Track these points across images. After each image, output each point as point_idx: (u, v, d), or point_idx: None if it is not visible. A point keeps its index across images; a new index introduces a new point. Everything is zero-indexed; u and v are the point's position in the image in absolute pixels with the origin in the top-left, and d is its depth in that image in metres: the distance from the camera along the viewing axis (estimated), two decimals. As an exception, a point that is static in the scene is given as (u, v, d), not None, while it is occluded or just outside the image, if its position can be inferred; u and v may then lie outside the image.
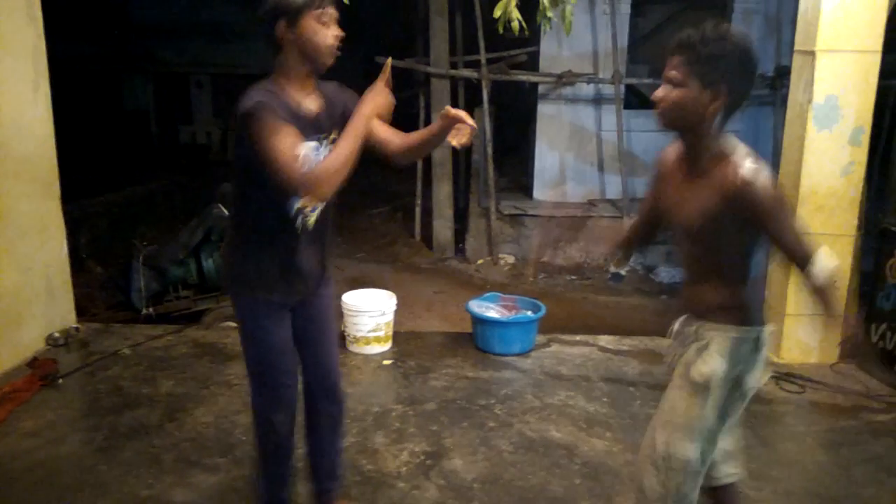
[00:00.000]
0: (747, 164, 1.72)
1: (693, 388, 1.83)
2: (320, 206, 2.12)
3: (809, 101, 3.75)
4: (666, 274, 6.65)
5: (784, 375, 3.83)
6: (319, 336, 2.34)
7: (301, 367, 2.33)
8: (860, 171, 3.83)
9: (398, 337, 4.28)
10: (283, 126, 1.85)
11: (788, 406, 3.56)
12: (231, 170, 2.11)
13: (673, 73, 1.75)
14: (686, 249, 1.92)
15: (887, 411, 3.49)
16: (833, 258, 1.73)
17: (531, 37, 5.79)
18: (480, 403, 3.50)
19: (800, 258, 1.72)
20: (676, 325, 1.96)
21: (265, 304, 2.15)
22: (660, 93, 1.79)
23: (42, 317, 4.07)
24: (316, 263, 2.22)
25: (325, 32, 1.94)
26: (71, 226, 4.45)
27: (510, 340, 4.11)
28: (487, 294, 4.50)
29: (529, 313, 4.21)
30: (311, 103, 2.03)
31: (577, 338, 4.30)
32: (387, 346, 4.16)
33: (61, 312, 4.24)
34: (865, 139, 3.80)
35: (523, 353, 4.11)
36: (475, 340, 4.23)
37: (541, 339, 4.27)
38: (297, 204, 2.04)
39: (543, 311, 4.19)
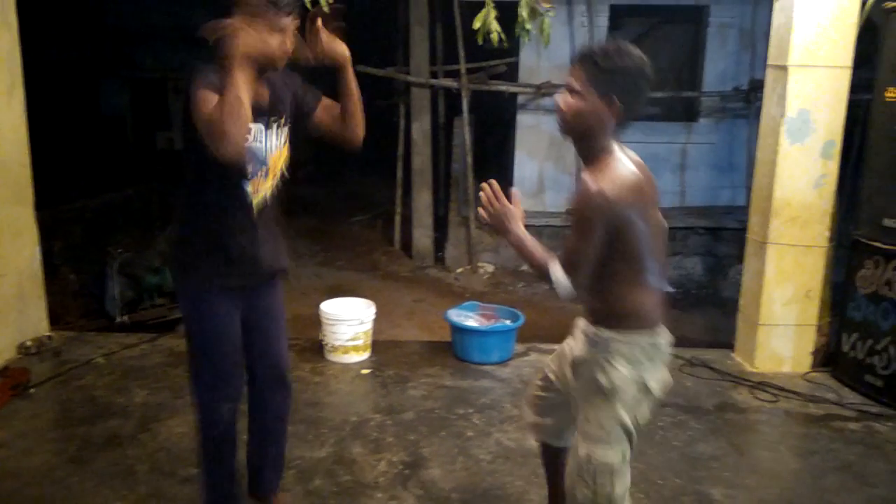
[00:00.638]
0: (600, 178, 1.81)
1: (601, 395, 1.91)
2: (266, 191, 2.15)
3: (782, 114, 3.82)
4: (643, 283, 6.71)
5: (757, 385, 3.88)
6: (270, 324, 2.34)
7: (248, 356, 2.31)
8: (832, 184, 3.91)
9: (377, 346, 4.27)
10: (210, 94, 1.88)
11: (762, 415, 3.61)
12: (181, 148, 2.15)
13: (573, 83, 1.86)
14: None
15: (858, 420, 3.56)
16: (561, 287, 1.82)
17: (511, 48, 5.84)
18: (459, 412, 3.50)
19: (561, 259, 1.84)
20: (582, 324, 2.04)
21: (212, 288, 2.16)
22: (560, 102, 1.90)
23: (13, 325, 4.00)
24: (267, 250, 2.22)
25: (275, 40, 1.98)
26: (44, 232, 4.38)
27: (489, 349, 4.12)
28: (466, 303, 4.51)
29: (508, 322, 4.22)
30: (258, 90, 2.07)
31: (556, 347, 4.29)
32: (365, 355, 4.14)
33: (33, 320, 4.17)
34: (837, 152, 3.88)
35: (502, 362, 4.12)
36: (454, 349, 4.23)
37: (520, 347, 4.29)
38: (248, 185, 2.10)
39: (522, 320, 4.21)
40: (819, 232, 3.94)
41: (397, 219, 7.52)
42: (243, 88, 1.80)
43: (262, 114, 2.08)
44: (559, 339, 2.16)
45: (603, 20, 6.99)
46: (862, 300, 3.84)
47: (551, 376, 2.19)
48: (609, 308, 1.93)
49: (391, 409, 3.51)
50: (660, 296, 1.98)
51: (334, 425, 3.32)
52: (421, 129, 7.08)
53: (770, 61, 3.98)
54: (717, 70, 7.11)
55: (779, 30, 3.88)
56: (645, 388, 1.92)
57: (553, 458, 2.31)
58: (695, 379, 3.99)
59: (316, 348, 4.19)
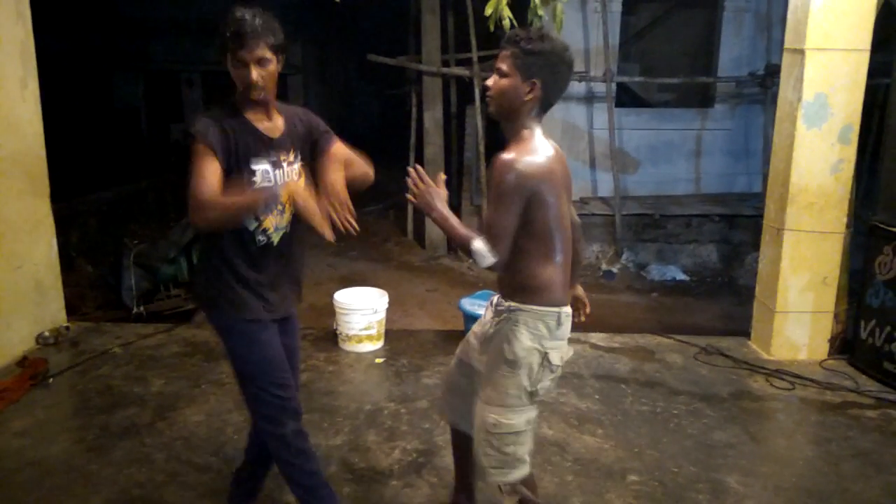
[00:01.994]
0: (517, 151, 1.93)
1: (507, 364, 2.03)
2: (285, 226, 2.15)
3: (799, 99, 3.77)
4: (657, 272, 6.67)
5: (774, 372, 3.85)
6: (289, 358, 2.32)
7: None
8: (849, 169, 3.86)
9: (390, 335, 4.28)
10: (207, 152, 1.95)
11: (778, 403, 3.59)
12: None
13: (501, 65, 1.99)
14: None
15: (875, 407, 3.52)
16: (481, 258, 1.91)
17: (523, 35, 5.80)
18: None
19: (481, 230, 1.95)
20: (494, 300, 2.15)
21: (247, 321, 2.15)
22: (489, 81, 2.03)
23: (32, 316, 4.05)
24: (288, 282, 2.23)
25: (240, 74, 1.98)
26: (61, 224, 4.42)
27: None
28: (479, 292, 4.51)
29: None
30: (269, 124, 2.11)
31: (569, 335, 4.30)
32: (379, 344, 4.16)
33: (51, 311, 4.22)
34: (854, 137, 3.82)
35: (515, 351, 4.11)
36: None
37: (533, 336, 4.28)
38: (253, 223, 2.08)
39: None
40: (836, 218, 3.89)
41: (410, 208, 7.52)
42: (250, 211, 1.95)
43: (271, 149, 2.09)
44: (572, 327, 2.16)
45: (616, 5, 6.91)
46: (880, 286, 3.80)
47: (463, 356, 2.29)
48: (519, 282, 2.04)
49: (405, 398, 3.53)
50: (566, 276, 2.10)
51: (349, 413, 3.34)
52: (433, 117, 7.06)
53: (787, 45, 3.92)
54: (733, 55, 7.02)
55: (795, 13, 3.82)
56: (547, 361, 2.04)
57: (461, 443, 2.40)
58: (710, 367, 3.97)
59: (330, 338, 4.21)
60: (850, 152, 3.84)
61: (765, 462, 3.02)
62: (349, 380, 3.77)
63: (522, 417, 2.07)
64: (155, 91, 13.17)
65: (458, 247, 2.00)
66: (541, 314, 2.03)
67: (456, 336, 4.31)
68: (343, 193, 2.03)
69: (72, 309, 4.58)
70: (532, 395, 2.05)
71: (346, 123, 13.14)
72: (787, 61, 3.92)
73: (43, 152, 4.10)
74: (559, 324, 2.05)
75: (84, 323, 4.50)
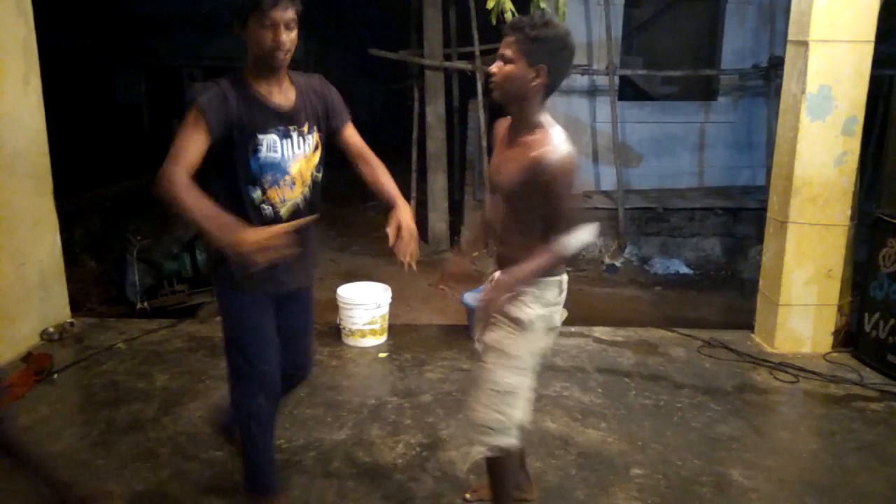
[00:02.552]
0: (546, 142, 1.99)
1: (519, 328, 2.13)
2: (295, 199, 2.14)
3: (803, 91, 3.75)
4: (661, 265, 6.66)
5: (777, 365, 3.85)
6: (302, 330, 2.39)
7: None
8: (853, 161, 3.84)
9: (393, 329, 4.28)
10: (198, 122, 1.95)
11: (782, 395, 3.58)
12: None
13: (505, 51, 2.01)
14: (501, 210, 2.17)
15: (880, 400, 3.52)
16: (574, 243, 2.03)
17: (525, 28, 5.78)
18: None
19: (553, 230, 2.02)
20: (495, 276, 2.20)
21: (247, 295, 2.17)
22: (494, 68, 2.05)
23: (36, 311, 4.06)
24: (301, 255, 2.17)
25: (266, 37, 1.96)
26: (64, 220, 4.43)
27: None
28: (483, 286, 4.50)
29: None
30: (281, 96, 2.09)
31: (572, 329, 4.31)
32: (382, 339, 4.16)
33: (55, 307, 4.23)
34: (858, 129, 3.80)
35: (518, 345, 4.11)
36: (470, 332, 4.23)
37: (536, 330, 4.28)
38: (256, 193, 2.08)
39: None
40: (840, 210, 3.88)
41: (412, 203, 7.51)
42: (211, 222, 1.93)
43: (281, 121, 2.07)
44: (575, 321, 2.21)
45: (619, -2, 6.89)
46: (884, 279, 3.79)
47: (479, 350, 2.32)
48: (524, 258, 2.08)
49: (408, 392, 3.53)
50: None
51: (353, 408, 3.35)
52: (435, 112, 7.04)
53: (790, 37, 3.90)
54: (736, 47, 6.99)
55: (799, 4, 3.80)
56: (552, 325, 2.18)
57: None
58: (714, 360, 3.97)
59: (333, 332, 4.21)
60: (855, 144, 3.82)
61: (769, 455, 3.02)
62: (353, 374, 3.77)
63: (525, 381, 2.17)
64: (157, 87, 13.16)
65: (547, 269, 2.07)
66: (547, 283, 2.13)
67: (459, 331, 4.32)
68: (413, 235, 2.18)
69: (76, 305, 4.59)
70: (536, 356, 2.17)
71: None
72: (790, 53, 3.90)
73: (46, 148, 4.10)
74: (561, 290, 2.19)
75: (88, 319, 4.51)
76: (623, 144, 6.96)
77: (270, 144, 2.04)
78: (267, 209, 2.10)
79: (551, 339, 2.23)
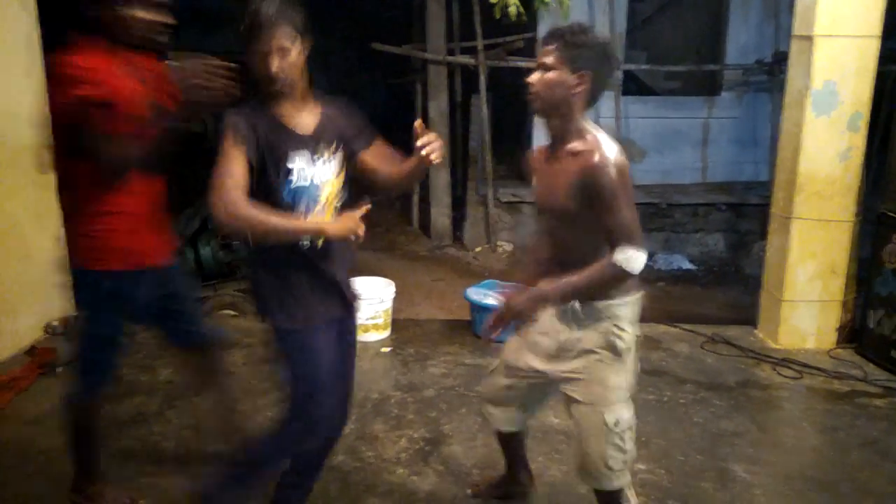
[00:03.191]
0: (598, 147, 1.90)
1: (616, 359, 2.03)
2: None
3: (807, 86, 3.74)
4: (663, 261, 6.65)
5: (781, 361, 3.85)
6: (346, 360, 2.28)
7: None
8: (858, 157, 3.83)
9: (396, 324, 4.28)
10: (232, 149, 1.89)
11: (785, 391, 3.58)
12: None
13: (545, 59, 1.96)
14: (558, 234, 2.09)
15: (883, 396, 3.52)
16: (637, 260, 1.87)
17: (528, 22, 5.75)
18: (479, 390, 3.49)
19: (614, 241, 1.89)
20: (575, 303, 2.05)
21: (297, 328, 2.06)
22: (532, 78, 1.99)
23: (40, 305, 4.06)
24: (340, 281, 2.12)
25: (258, 65, 1.92)
26: (67, 214, 4.42)
27: (509, 327, 4.11)
28: (486, 281, 4.51)
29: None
30: (301, 119, 2.02)
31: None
32: (385, 334, 4.16)
33: (59, 301, 4.23)
34: (864, 125, 3.79)
35: (521, 340, 4.11)
36: (474, 328, 4.24)
37: (539, 325, 4.27)
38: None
39: (541, 297, 4.20)
40: (845, 206, 3.87)
41: (415, 198, 7.51)
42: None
43: (306, 145, 2.00)
44: None
45: (623, -7, 6.86)
46: (889, 275, 3.78)
47: (517, 368, 2.24)
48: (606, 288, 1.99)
49: (412, 387, 3.53)
50: None
51: (356, 402, 3.33)
52: (438, 107, 7.03)
53: (795, 32, 3.88)
54: (740, 42, 6.96)
55: (804, -1, 3.79)
56: (639, 343, 2.09)
57: (510, 440, 2.48)
58: (717, 356, 3.96)
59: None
60: (860, 140, 3.81)
61: (772, 451, 3.02)
62: (356, 369, 3.77)
63: (632, 406, 2.08)
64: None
65: (600, 285, 1.94)
66: (632, 303, 2.05)
67: (462, 326, 4.32)
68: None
69: (79, 299, 4.59)
70: (635, 380, 2.10)
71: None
72: (795, 48, 3.89)
73: (48, 143, 4.09)
74: (640, 307, 2.11)
75: (92, 313, 4.51)
76: (626, 140, 6.95)
77: (300, 170, 1.97)
78: (305, 240, 2.01)
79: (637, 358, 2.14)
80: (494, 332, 2.15)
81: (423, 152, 1.97)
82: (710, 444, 3.04)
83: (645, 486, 2.73)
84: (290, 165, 1.95)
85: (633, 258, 1.86)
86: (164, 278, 2.39)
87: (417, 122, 1.97)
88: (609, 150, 1.89)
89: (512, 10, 3.53)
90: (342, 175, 2.09)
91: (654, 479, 2.78)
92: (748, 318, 4.45)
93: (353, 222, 1.88)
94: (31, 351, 3.71)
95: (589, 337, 2.03)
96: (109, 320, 2.35)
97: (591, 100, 1.99)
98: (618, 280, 1.92)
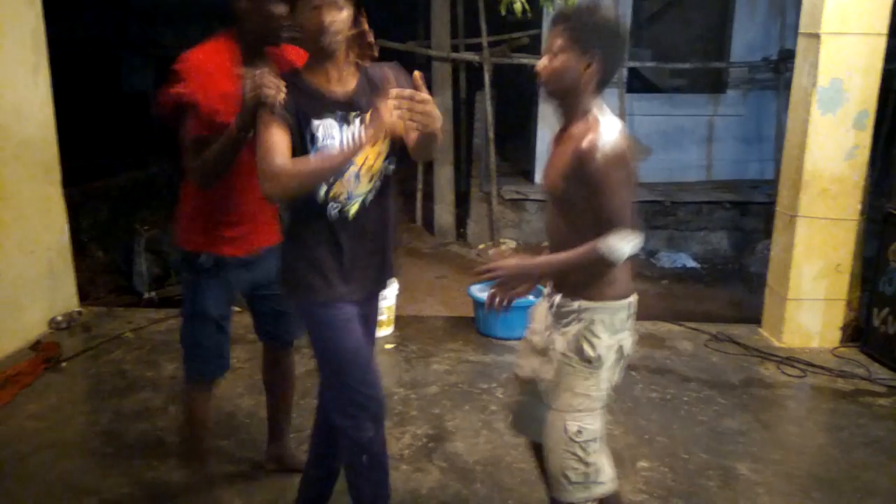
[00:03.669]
0: (593, 129, 1.81)
1: (585, 366, 1.91)
2: (362, 194, 1.97)
3: (814, 84, 3.72)
4: (667, 259, 6.64)
5: (785, 360, 3.84)
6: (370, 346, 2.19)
7: None
8: (864, 156, 3.82)
9: (400, 321, 4.28)
10: (269, 117, 1.84)
11: (789, 390, 3.57)
12: None
13: (554, 42, 1.87)
14: (556, 220, 1.96)
15: (888, 395, 3.51)
16: (620, 249, 1.76)
17: (533, 19, 5.74)
18: (482, 387, 3.51)
19: (601, 227, 1.78)
20: (557, 300, 1.98)
21: (334, 307, 1.99)
22: (540, 63, 1.90)
23: (44, 300, 4.08)
24: (373, 258, 2.05)
25: (314, 19, 1.86)
26: (72, 209, 4.44)
27: (512, 324, 4.11)
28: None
29: (531, 297, 4.20)
30: (339, 84, 1.95)
31: (556, 297, 4.29)
32: (389, 331, 4.16)
33: (64, 296, 4.25)
34: (870, 123, 3.78)
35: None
36: (477, 325, 4.24)
37: (542, 323, 4.28)
38: (321, 191, 1.91)
39: (545, 295, 4.19)
40: (850, 205, 3.86)
41: (419, 195, 7.51)
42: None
43: (338, 107, 1.93)
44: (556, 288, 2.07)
45: (629, -11, 6.84)
46: (893, 274, 3.77)
47: (524, 376, 2.12)
48: (593, 277, 1.89)
49: (415, 384, 3.54)
50: (630, 263, 1.96)
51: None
52: (442, 103, 7.00)
53: (801, 29, 3.87)
54: (746, 40, 6.94)
55: (811, -4, 3.77)
56: (622, 354, 1.95)
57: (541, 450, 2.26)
58: (721, 354, 3.96)
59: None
60: (866, 138, 3.79)
61: (776, 449, 3.02)
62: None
63: (600, 421, 1.97)
64: (164, 76, 13.15)
65: (582, 270, 1.85)
66: (615, 308, 1.91)
67: (466, 323, 4.32)
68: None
69: (84, 294, 4.61)
70: (609, 392, 1.97)
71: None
72: (801, 46, 3.87)
73: (54, 138, 4.11)
74: (630, 314, 1.96)
75: (96, 308, 4.53)
76: (631, 137, 6.93)
77: (327, 129, 1.90)
78: (333, 209, 1.93)
79: (621, 369, 1.99)
80: (493, 305, 2.06)
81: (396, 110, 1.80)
82: (713, 443, 3.04)
83: (649, 483, 2.74)
84: (315, 122, 1.89)
85: (617, 247, 1.76)
86: (260, 265, 2.37)
87: (416, 73, 1.84)
88: (606, 132, 1.80)
89: (517, 6, 3.52)
90: (386, 143, 1.98)
91: (658, 477, 2.78)
92: (752, 316, 4.44)
93: (383, 118, 1.76)
94: (36, 346, 3.72)
95: (562, 339, 1.94)
96: (215, 303, 2.33)
97: (602, 81, 1.90)
98: (598, 266, 1.81)
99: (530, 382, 2.07)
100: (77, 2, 9.79)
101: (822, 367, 3.76)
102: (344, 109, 1.94)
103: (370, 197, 2.00)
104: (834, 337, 4.03)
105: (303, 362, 3.17)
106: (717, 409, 3.33)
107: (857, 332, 4.06)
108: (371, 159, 1.97)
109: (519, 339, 4.10)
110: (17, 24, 3.79)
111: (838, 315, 4.02)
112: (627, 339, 1.96)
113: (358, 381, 2.02)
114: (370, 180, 1.98)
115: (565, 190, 1.86)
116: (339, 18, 1.88)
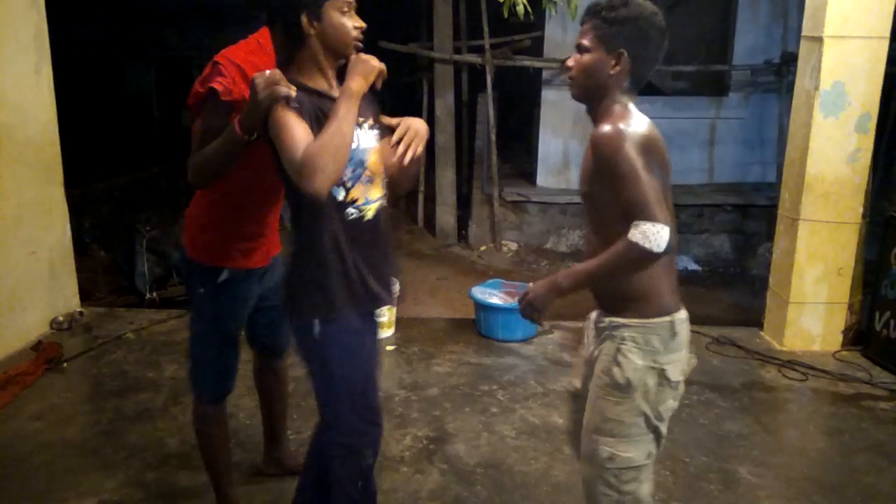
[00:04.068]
0: (613, 120, 1.69)
1: (616, 390, 1.75)
2: (379, 199, 1.92)
3: (816, 87, 3.72)
4: (669, 261, 6.64)
5: (786, 363, 3.83)
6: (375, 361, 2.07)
7: None
8: (866, 159, 3.82)
9: (401, 323, 4.28)
10: (288, 115, 1.74)
11: (791, 393, 3.57)
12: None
13: (582, 40, 1.77)
14: (589, 224, 1.83)
15: (889, 399, 3.50)
16: (656, 235, 1.55)
17: (536, 21, 5.75)
18: (483, 389, 3.51)
19: (629, 218, 1.60)
20: (593, 316, 1.87)
21: (342, 322, 1.87)
22: (570, 61, 1.80)
23: (46, 301, 4.08)
24: (387, 266, 1.98)
25: (348, 24, 1.82)
26: (74, 210, 4.45)
27: (513, 326, 4.12)
28: (490, 280, 4.51)
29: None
30: (336, 90, 1.89)
31: (580, 324, 4.29)
32: (390, 332, 4.16)
33: (65, 296, 4.25)
34: (872, 126, 3.78)
35: (526, 340, 4.12)
36: (478, 326, 4.24)
37: (544, 325, 4.27)
38: (340, 193, 1.83)
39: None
40: (852, 208, 3.85)
41: (420, 197, 7.52)
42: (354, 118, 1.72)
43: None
44: (583, 316, 2.09)
45: (630, -8, 6.84)
46: (895, 278, 3.76)
47: (576, 391, 2.00)
48: (621, 289, 1.73)
49: (416, 385, 3.53)
50: (674, 275, 1.79)
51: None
52: (444, 105, 7.03)
53: (804, 32, 3.87)
54: (748, 43, 6.94)
55: (814, 0, 3.77)
56: (665, 378, 1.73)
57: None
58: (722, 357, 3.95)
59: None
60: (868, 141, 3.79)
61: (777, 453, 3.01)
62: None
63: (642, 449, 1.77)
64: (167, 77, 13.18)
65: (612, 273, 1.66)
66: (651, 327, 1.72)
67: (467, 324, 4.32)
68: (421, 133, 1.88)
69: (85, 294, 4.61)
70: (653, 420, 1.76)
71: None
72: (804, 49, 3.87)
73: (56, 138, 4.12)
74: (674, 333, 1.74)
75: (97, 308, 4.53)
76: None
77: None
78: (352, 212, 1.85)
79: (670, 397, 1.77)
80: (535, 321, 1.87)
81: (397, 154, 1.84)
82: (715, 446, 3.03)
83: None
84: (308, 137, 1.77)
85: (651, 232, 1.55)
86: (268, 275, 2.30)
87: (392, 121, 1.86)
88: (626, 123, 1.67)
89: (520, 8, 3.51)
90: (382, 147, 1.93)
91: (659, 481, 2.77)
92: (754, 319, 4.44)
93: (369, 64, 1.75)
94: (37, 346, 3.72)
95: (599, 357, 1.79)
96: (233, 318, 2.25)
97: (635, 81, 1.77)
98: (637, 262, 1.60)
99: (583, 398, 1.91)
100: (81, 2, 9.81)
101: (824, 371, 3.75)
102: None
103: (384, 203, 1.95)
104: (835, 340, 4.02)
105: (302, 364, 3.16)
106: (719, 413, 3.33)
107: (859, 336, 4.06)
108: (378, 162, 1.93)
109: (520, 340, 4.14)
110: (19, 25, 3.80)
111: (840, 318, 4.01)
112: (673, 364, 1.75)
113: (366, 408, 1.94)
114: (382, 185, 1.95)
115: (591, 190, 1.74)
116: (361, 24, 1.85)
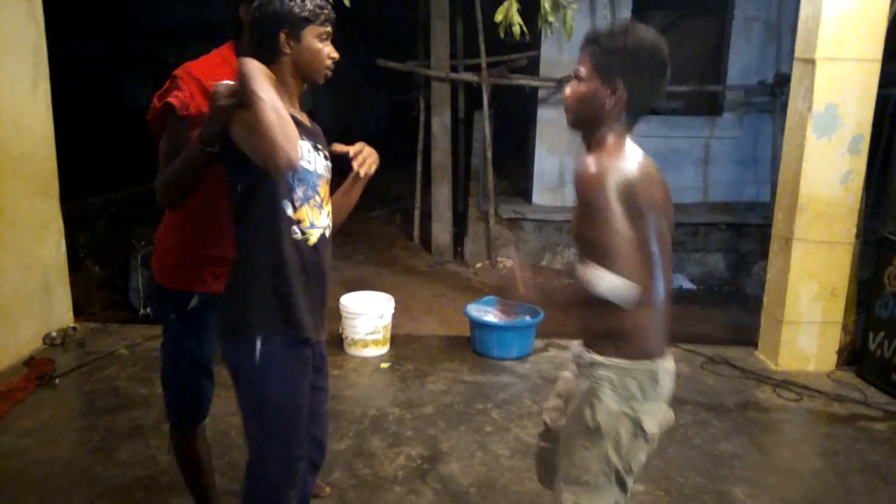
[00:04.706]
0: (599, 154, 1.63)
1: (587, 434, 1.65)
2: (323, 227, 1.90)
3: (809, 109, 3.76)
4: (664, 279, 6.65)
5: (781, 383, 3.83)
6: (319, 396, 2.04)
7: None
8: (859, 180, 3.84)
9: (396, 340, 4.27)
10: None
11: (785, 414, 3.56)
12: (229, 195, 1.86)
13: (579, 68, 1.71)
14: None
15: (884, 420, 3.50)
16: (603, 283, 1.48)
17: (532, 41, 5.80)
18: (478, 408, 3.50)
19: (592, 259, 1.53)
20: (575, 349, 1.78)
21: (288, 344, 1.83)
22: (567, 89, 1.74)
23: (39, 316, 4.06)
24: (324, 298, 1.94)
25: (324, 51, 1.84)
26: (69, 225, 4.44)
27: (508, 344, 4.11)
28: (486, 298, 4.50)
29: (528, 318, 4.20)
30: (298, 114, 1.91)
31: (575, 343, 4.29)
32: (384, 349, 4.15)
33: (58, 312, 4.23)
34: (865, 147, 3.81)
35: (521, 358, 4.11)
36: (473, 344, 4.23)
37: (539, 343, 4.27)
38: (289, 210, 1.80)
39: (542, 315, 4.19)
40: (846, 228, 3.87)
41: (416, 213, 7.53)
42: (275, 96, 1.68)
43: (308, 134, 1.88)
44: (578, 335, 2.06)
45: (626, 12, 6.91)
46: (889, 298, 3.78)
47: (548, 421, 1.92)
48: (604, 325, 1.63)
49: (410, 404, 3.52)
50: (665, 318, 1.68)
51: (354, 418, 3.33)
52: (441, 123, 7.06)
53: (797, 54, 3.91)
54: (742, 63, 7.01)
55: (806, 22, 3.81)
56: (639, 428, 1.63)
57: None
58: (717, 377, 3.95)
59: (335, 342, 4.21)
60: (861, 163, 3.82)
61: (771, 473, 3.00)
62: (354, 384, 3.76)
63: (607, 500, 1.67)
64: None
65: (577, 303, 1.59)
66: (630, 370, 1.62)
67: (462, 342, 4.31)
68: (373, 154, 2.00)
69: (79, 310, 4.59)
70: (622, 472, 1.66)
71: (354, 128, 13.18)
72: (797, 70, 3.91)
73: (53, 153, 4.12)
74: (655, 381, 1.64)
75: (91, 324, 4.51)
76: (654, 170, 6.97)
77: (304, 152, 1.80)
78: (297, 231, 1.82)
79: (642, 451, 1.66)
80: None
81: (355, 164, 1.91)
82: (709, 466, 3.02)
83: (643, 507, 2.72)
84: (301, 143, 1.78)
85: (600, 279, 1.48)
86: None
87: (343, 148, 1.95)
88: (614, 159, 1.60)
89: (516, 28, 3.55)
90: (326, 183, 1.94)
91: (653, 501, 2.76)
92: (748, 338, 4.44)
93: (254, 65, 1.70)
94: (30, 362, 3.70)
95: (575, 395, 1.70)
96: (205, 343, 2.16)
97: (633, 113, 1.69)
98: (582, 302, 1.54)
99: (554, 430, 1.85)
100: (79, 17, 9.86)
101: (819, 391, 3.75)
102: (314, 135, 1.92)
103: (328, 232, 1.93)
104: (830, 360, 4.02)
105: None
106: (713, 433, 3.32)
107: (853, 356, 4.06)
108: (325, 191, 1.94)
109: (515, 359, 4.13)
110: (17, 39, 3.81)
111: (834, 338, 4.02)
112: (650, 414, 1.64)
113: (297, 443, 1.88)
114: (328, 215, 1.94)
115: (579, 233, 1.65)
116: (335, 55, 1.87)
